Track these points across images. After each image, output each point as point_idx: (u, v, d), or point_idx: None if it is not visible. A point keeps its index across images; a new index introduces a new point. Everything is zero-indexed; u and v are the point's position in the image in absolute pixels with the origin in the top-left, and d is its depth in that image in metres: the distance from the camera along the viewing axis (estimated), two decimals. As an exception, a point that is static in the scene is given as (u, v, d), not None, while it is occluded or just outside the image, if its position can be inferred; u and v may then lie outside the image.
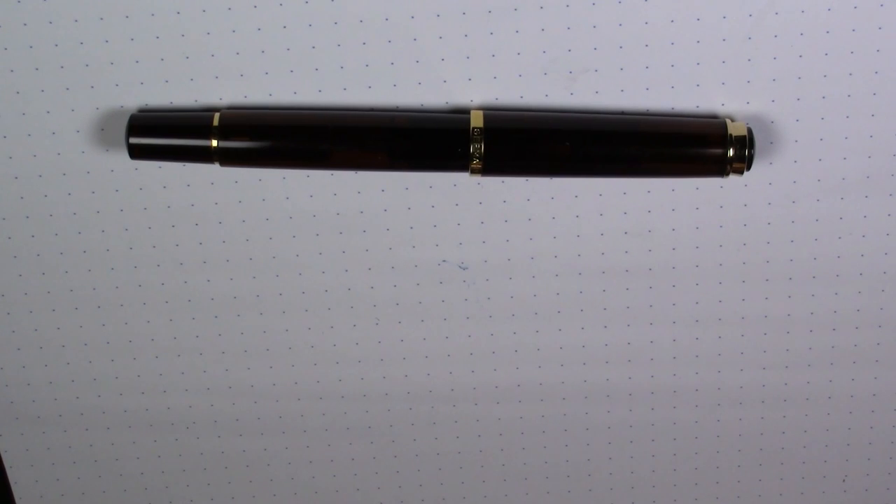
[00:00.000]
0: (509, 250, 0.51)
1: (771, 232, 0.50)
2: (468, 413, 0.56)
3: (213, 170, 0.49)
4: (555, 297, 0.52)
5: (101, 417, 0.55)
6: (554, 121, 0.47)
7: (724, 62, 0.46)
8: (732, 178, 0.48)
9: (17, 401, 0.55)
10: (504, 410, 0.56)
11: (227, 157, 0.46)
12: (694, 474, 0.58)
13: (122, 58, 0.46)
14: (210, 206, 0.50)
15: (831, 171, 0.49)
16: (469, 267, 0.51)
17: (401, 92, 0.47)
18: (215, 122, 0.46)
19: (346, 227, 0.50)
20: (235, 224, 0.50)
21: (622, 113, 0.47)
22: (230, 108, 0.47)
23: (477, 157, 0.46)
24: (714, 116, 0.47)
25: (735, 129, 0.46)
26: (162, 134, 0.46)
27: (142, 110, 0.47)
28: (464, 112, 0.47)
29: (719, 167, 0.47)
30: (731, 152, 0.46)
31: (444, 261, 0.51)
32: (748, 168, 0.47)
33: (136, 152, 0.46)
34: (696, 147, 0.46)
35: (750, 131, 0.46)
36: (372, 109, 0.47)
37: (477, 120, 0.46)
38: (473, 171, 0.47)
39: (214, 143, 0.46)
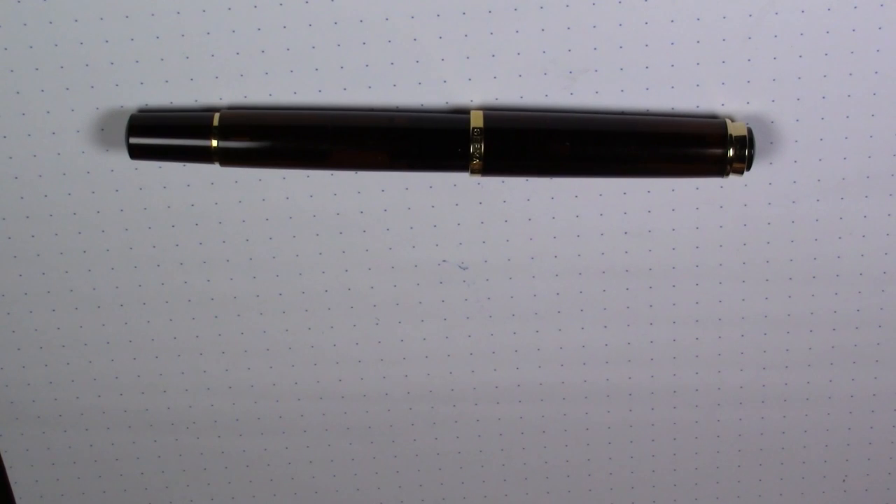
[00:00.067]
0: (509, 250, 0.51)
1: (771, 232, 0.50)
2: (468, 413, 0.56)
3: (213, 170, 0.49)
4: (555, 297, 0.52)
5: (101, 417, 0.55)
6: (554, 121, 0.47)
7: (724, 62, 0.46)
8: (732, 178, 0.48)
9: (17, 401, 0.55)
10: (504, 410, 0.56)
11: (227, 157, 0.46)
12: (694, 474, 0.58)
13: (122, 58, 0.46)
14: (210, 206, 0.50)
15: (831, 171, 0.49)
16: (469, 267, 0.51)
17: (401, 92, 0.47)
18: (215, 122, 0.46)
19: (346, 227, 0.50)
20: (235, 224, 0.50)
21: (622, 113, 0.47)
22: (230, 108, 0.47)
23: (477, 157, 0.46)
24: (714, 116, 0.47)
25: (735, 129, 0.46)
26: (162, 134, 0.46)
27: (142, 110, 0.47)
28: (464, 112, 0.47)
29: (719, 167, 0.47)
30: (731, 152, 0.46)
31: (444, 261, 0.51)
32: (748, 168, 0.47)
33: (136, 152, 0.46)
34: (695, 147, 0.46)
35: (750, 131, 0.46)
36: (372, 109, 0.47)
37: (477, 120, 0.46)
38: (473, 171, 0.47)
39: (214, 143, 0.46)
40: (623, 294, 0.52)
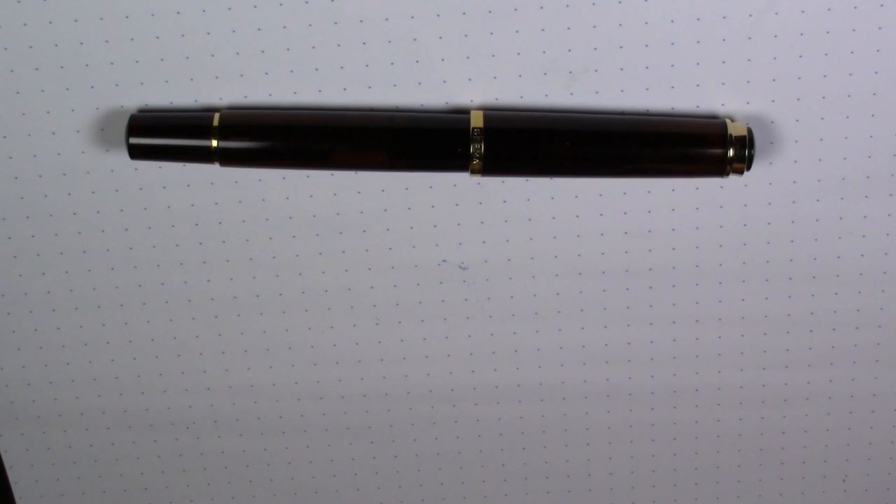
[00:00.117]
0: (509, 250, 0.51)
1: (771, 232, 0.50)
2: (468, 413, 0.56)
3: (213, 170, 0.49)
4: (555, 297, 0.52)
5: (101, 417, 0.55)
6: (554, 121, 0.47)
7: (724, 62, 0.46)
8: (732, 178, 0.48)
9: (17, 401, 0.55)
10: (504, 410, 0.56)
11: (227, 157, 0.46)
12: (694, 474, 0.58)
13: (122, 58, 0.46)
14: (210, 206, 0.50)
15: (831, 171, 0.49)
16: (469, 267, 0.51)
17: (401, 92, 0.47)
18: (215, 123, 0.46)
19: (346, 227, 0.50)
20: (235, 224, 0.50)
21: (622, 113, 0.47)
22: (230, 108, 0.47)
23: (477, 157, 0.46)
24: (714, 116, 0.47)
25: (735, 129, 0.46)
26: (162, 134, 0.46)
27: (142, 110, 0.47)
28: (464, 112, 0.47)
29: (719, 167, 0.47)
30: (731, 152, 0.46)
31: (444, 261, 0.51)
32: (748, 168, 0.47)
33: (136, 152, 0.46)
34: (695, 147, 0.46)
35: (750, 131, 0.46)
36: (372, 109, 0.47)
37: (477, 120, 0.46)
38: (473, 171, 0.47)
39: (214, 143, 0.46)
40: (623, 294, 0.52)
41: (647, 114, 0.47)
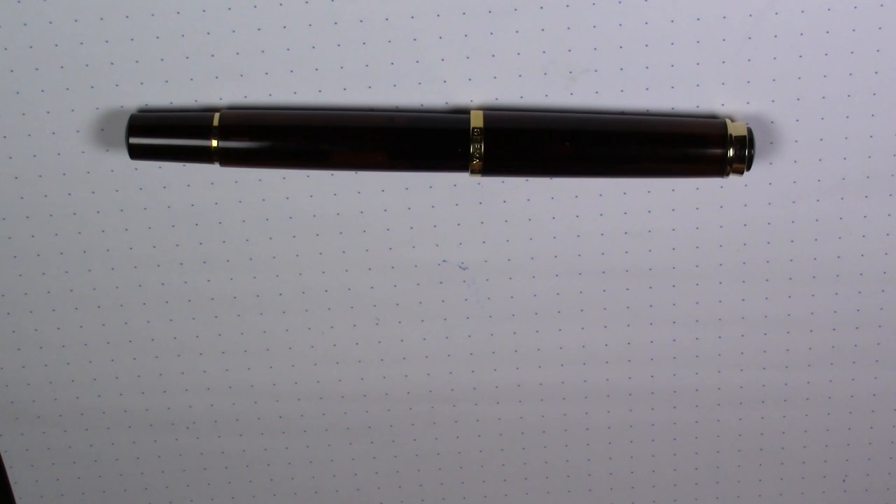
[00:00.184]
0: (509, 250, 0.51)
1: (771, 232, 0.50)
2: (468, 413, 0.56)
3: (213, 170, 0.49)
4: (555, 297, 0.52)
5: (101, 417, 0.55)
6: (554, 121, 0.47)
7: (724, 62, 0.46)
8: (732, 178, 0.48)
9: (17, 401, 0.55)
10: (504, 410, 0.56)
11: (227, 157, 0.46)
12: (694, 474, 0.58)
13: (122, 58, 0.46)
14: (210, 206, 0.50)
15: (831, 171, 0.49)
16: (469, 267, 0.51)
17: (401, 92, 0.47)
18: (215, 122, 0.46)
19: (346, 227, 0.50)
20: (235, 224, 0.50)
21: (622, 113, 0.47)
22: (230, 108, 0.47)
23: (477, 157, 0.46)
24: (714, 116, 0.47)
25: (735, 129, 0.46)
26: (162, 134, 0.46)
27: (142, 110, 0.47)
28: (464, 112, 0.47)
29: (719, 167, 0.47)
30: (731, 152, 0.46)
31: (444, 261, 0.51)
32: (748, 168, 0.47)
33: (136, 152, 0.46)
34: (695, 147, 0.46)
35: (750, 131, 0.46)
36: (372, 109, 0.47)
37: (477, 120, 0.46)
38: (473, 171, 0.47)
39: (214, 143, 0.46)
40: (623, 294, 0.52)
41: (647, 114, 0.47)
